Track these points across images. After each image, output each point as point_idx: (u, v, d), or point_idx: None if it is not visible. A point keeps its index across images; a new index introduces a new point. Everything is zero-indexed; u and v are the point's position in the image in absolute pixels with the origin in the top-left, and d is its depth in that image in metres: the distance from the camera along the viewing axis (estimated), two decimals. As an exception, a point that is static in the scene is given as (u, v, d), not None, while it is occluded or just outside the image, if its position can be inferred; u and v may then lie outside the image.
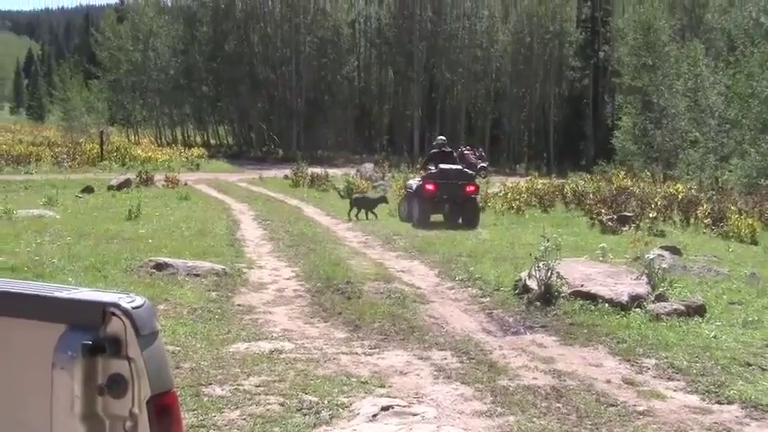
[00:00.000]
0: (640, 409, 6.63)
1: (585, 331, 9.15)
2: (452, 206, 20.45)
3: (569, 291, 10.56)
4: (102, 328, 1.74)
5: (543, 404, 6.70)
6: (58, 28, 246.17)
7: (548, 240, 11.05)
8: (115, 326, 1.74)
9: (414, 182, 21.84)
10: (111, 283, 10.84)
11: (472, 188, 20.69)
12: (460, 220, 20.34)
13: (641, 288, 10.55)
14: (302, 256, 14.50)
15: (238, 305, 10.39)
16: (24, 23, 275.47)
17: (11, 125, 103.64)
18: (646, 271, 11.02)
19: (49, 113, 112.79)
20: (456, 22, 68.55)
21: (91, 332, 1.73)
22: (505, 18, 70.09)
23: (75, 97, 67.63)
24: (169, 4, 77.96)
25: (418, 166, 27.18)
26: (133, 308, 1.75)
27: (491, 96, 70.64)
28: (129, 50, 74.24)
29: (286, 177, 37.24)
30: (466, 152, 43.46)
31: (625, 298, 10.11)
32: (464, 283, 12.31)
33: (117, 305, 1.75)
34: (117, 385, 1.73)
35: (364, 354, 8.21)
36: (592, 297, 10.26)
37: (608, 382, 7.38)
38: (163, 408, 1.76)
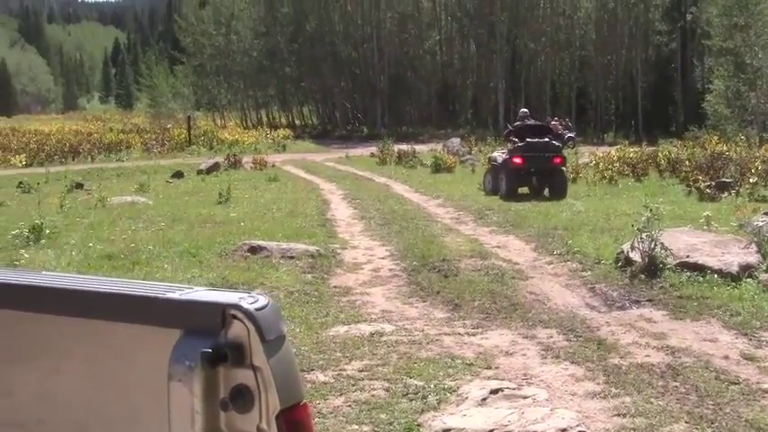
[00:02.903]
0: (765, 386, 6.27)
1: (696, 304, 8.77)
2: (539, 178, 20.48)
3: (675, 262, 10.16)
4: (223, 333, 1.53)
5: (659, 383, 6.38)
6: (143, 16, 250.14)
7: (650, 210, 10.66)
8: (237, 330, 1.52)
9: (498, 154, 21.83)
10: (206, 268, 10.81)
11: (559, 160, 20.64)
12: (547, 193, 20.18)
13: (751, 257, 10.10)
14: (395, 235, 14.31)
15: (335, 287, 10.25)
16: (110, 13, 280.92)
17: (101, 114, 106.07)
18: (755, 239, 10.55)
19: (137, 101, 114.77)
20: (537, -9, 67.53)
21: (210, 338, 1.52)
22: (588, -16, 68.63)
23: (162, 84, 68.58)
24: (249, -13, 78.32)
25: (503, 138, 27.04)
26: (256, 309, 1.53)
27: (575, 65, 69.33)
28: (212, 35, 74.93)
29: (372, 155, 37.14)
30: (552, 123, 42.91)
31: (735, 268, 9.68)
32: (562, 257, 11.98)
33: (238, 306, 1.53)
34: (242, 398, 1.52)
35: (467, 334, 7.98)
36: (699, 268, 9.85)
37: (726, 357, 7.03)
38: (295, 423, 1.54)
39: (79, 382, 1.69)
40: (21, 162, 34.99)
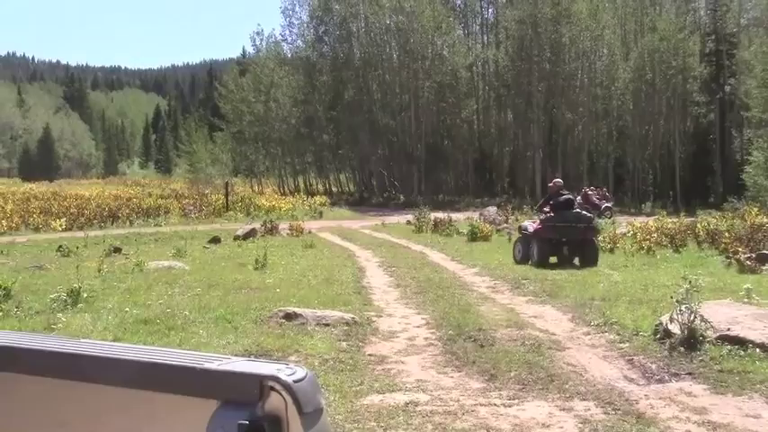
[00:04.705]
0: (810, 465, 6.12)
1: (737, 379, 8.60)
2: (570, 248, 20.60)
3: (715, 335, 9.99)
4: (260, 404, 1.50)
5: (701, 460, 6.25)
6: (184, 83, 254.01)
7: (689, 282, 10.53)
8: (274, 402, 1.50)
9: (529, 224, 21.83)
10: (241, 334, 10.79)
11: (590, 230, 20.80)
12: (578, 261, 20.29)
13: (794, 331, 9.92)
14: (431, 303, 14.24)
15: (369, 355, 10.17)
16: (152, 80, 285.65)
17: (140, 179, 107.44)
18: (797, 313, 10.38)
19: (176, 166, 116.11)
20: (575, 62, 67.77)
21: (247, 409, 1.49)
22: (626, 56, 68.79)
23: (201, 150, 69.43)
24: (289, 56, 79.41)
25: (535, 208, 26.99)
26: (294, 381, 1.50)
27: (613, 135, 69.47)
28: (252, 102, 75.86)
29: (408, 223, 37.17)
30: (589, 192, 42.80)
31: (778, 342, 9.50)
32: (600, 328, 11.83)
33: (276, 378, 1.50)
34: None
35: (503, 405, 7.86)
36: (740, 342, 9.67)
37: (769, 434, 6.88)
38: None
39: None
40: (60, 226, 35.32)
